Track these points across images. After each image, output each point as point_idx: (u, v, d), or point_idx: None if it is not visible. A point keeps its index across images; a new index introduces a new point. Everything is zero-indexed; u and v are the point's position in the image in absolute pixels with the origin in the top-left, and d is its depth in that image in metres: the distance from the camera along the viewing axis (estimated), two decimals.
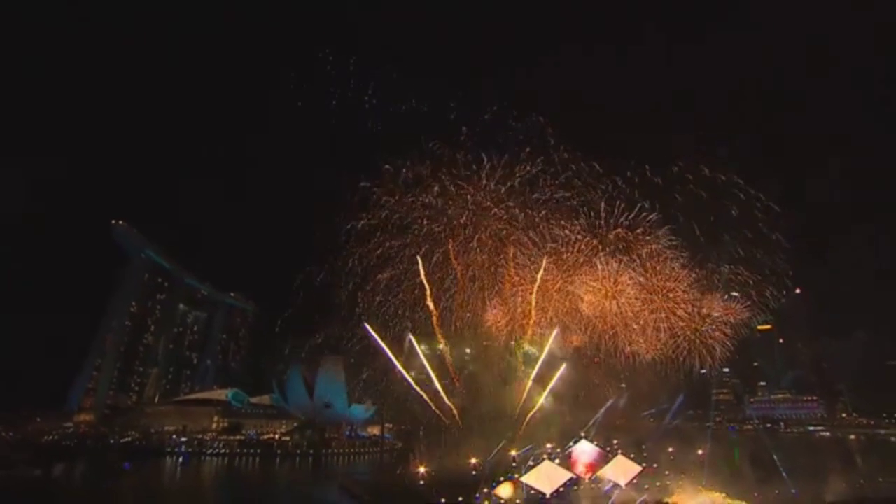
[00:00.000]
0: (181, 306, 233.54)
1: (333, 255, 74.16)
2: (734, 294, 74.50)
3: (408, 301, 76.09)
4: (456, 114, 77.34)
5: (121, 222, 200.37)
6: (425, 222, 75.74)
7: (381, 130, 75.74)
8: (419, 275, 73.86)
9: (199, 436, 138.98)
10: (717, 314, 74.35)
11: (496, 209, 75.73)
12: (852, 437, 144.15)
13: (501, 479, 53.51)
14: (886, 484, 59.02)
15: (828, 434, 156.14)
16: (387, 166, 75.24)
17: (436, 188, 75.36)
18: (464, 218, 75.52)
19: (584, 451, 58.81)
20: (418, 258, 73.83)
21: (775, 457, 68.87)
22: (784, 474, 61.20)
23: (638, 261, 75.01)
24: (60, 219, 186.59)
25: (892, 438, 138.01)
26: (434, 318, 74.55)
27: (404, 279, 75.45)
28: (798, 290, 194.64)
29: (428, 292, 73.74)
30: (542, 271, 72.61)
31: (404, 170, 75.13)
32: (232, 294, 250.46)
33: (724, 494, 55.16)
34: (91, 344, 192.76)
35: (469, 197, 75.76)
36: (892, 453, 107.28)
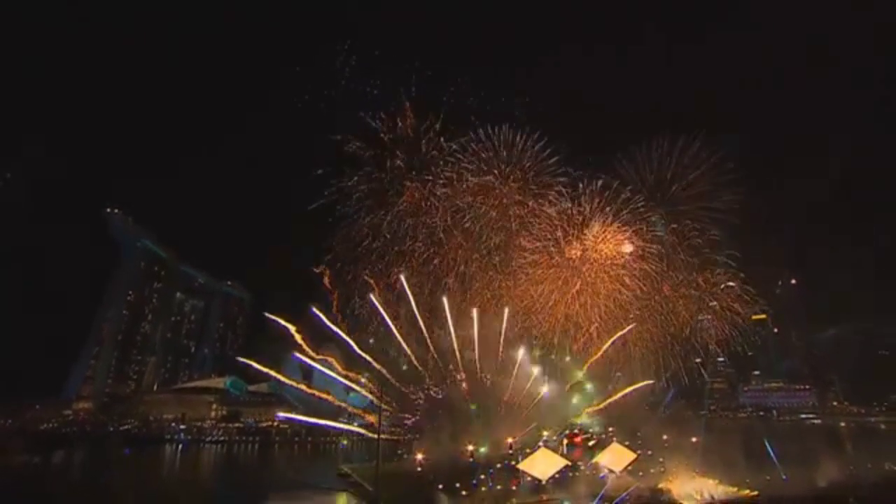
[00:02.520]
0: (178, 295, 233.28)
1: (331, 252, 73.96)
2: (731, 284, 75.12)
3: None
4: (451, 105, 76.57)
5: (116, 211, 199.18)
6: (422, 218, 75.56)
7: (378, 128, 75.31)
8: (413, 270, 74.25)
9: (198, 423, 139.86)
10: (713, 304, 74.99)
11: (491, 209, 75.69)
12: (843, 424, 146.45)
13: (499, 465, 54.18)
14: (876, 470, 60.14)
15: (819, 422, 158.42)
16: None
17: (437, 186, 75.37)
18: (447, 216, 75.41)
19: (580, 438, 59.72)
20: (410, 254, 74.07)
21: (767, 444, 69.95)
22: (776, 461, 62.28)
23: (633, 252, 75.47)
24: (56, 208, 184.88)
25: (882, 426, 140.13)
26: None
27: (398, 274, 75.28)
28: (793, 281, 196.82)
29: (411, 297, 73.56)
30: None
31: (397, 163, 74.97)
32: (229, 283, 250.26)
33: (717, 480, 56.17)
34: (89, 333, 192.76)
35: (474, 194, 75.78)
36: (881, 440, 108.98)
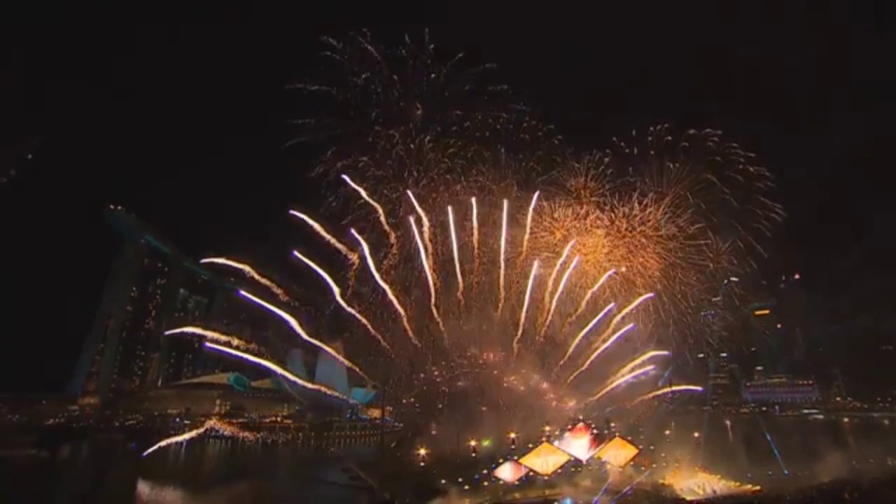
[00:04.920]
0: (181, 291, 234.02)
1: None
2: (734, 279, 74.90)
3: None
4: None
5: (119, 207, 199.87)
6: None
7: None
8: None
9: (202, 419, 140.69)
10: (717, 299, 74.84)
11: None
12: (846, 420, 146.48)
13: (501, 460, 54.34)
14: (878, 465, 60.15)
15: (822, 417, 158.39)
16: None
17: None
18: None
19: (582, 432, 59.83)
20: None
21: (769, 439, 70.14)
22: (778, 456, 62.42)
23: (632, 241, 75.26)
24: (59, 205, 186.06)
25: (885, 421, 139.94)
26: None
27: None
28: (797, 276, 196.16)
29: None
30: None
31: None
32: (232, 279, 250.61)
33: (719, 475, 56.36)
34: (93, 329, 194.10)
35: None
36: (884, 435, 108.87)
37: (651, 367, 74.48)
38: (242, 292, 68.56)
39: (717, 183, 73.14)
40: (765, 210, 72.17)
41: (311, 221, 68.76)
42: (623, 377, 74.24)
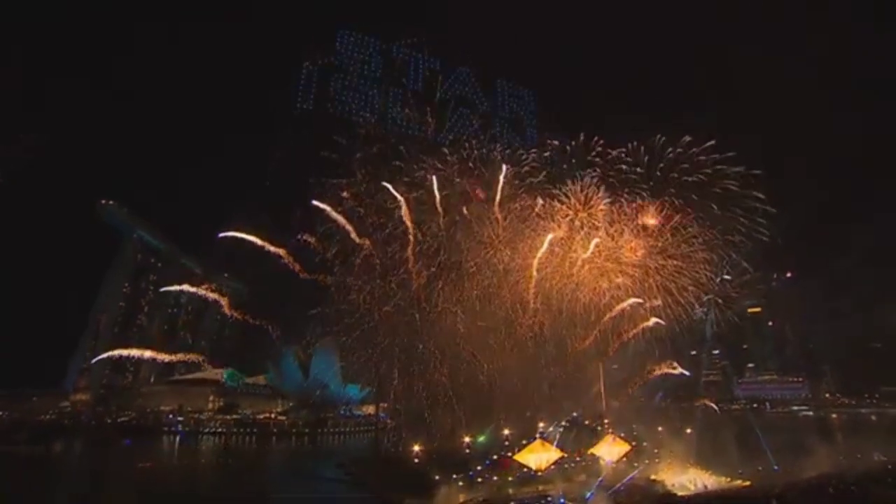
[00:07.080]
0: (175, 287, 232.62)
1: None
2: (726, 277, 75.39)
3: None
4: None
5: (111, 202, 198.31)
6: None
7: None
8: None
9: (196, 415, 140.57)
10: (709, 297, 75.28)
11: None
12: (834, 416, 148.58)
13: (495, 456, 54.75)
14: (864, 460, 61.19)
15: (811, 413, 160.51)
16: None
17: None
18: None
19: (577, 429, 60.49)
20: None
21: (760, 435, 71.06)
22: (767, 451, 63.31)
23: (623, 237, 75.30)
24: (53, 197, 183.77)
25: (873, 417, 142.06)
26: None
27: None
28: (788, 275, 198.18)
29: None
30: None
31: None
32: (226, 275, 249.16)
33: (709, 471, 57.14)
34: (85, 324, 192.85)
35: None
36: (871, 431, 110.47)
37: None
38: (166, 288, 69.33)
39: (714, 207, 72.94)
40: (760, 228, 72.23)
41: (309, 238, 68.99)
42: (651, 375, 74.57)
